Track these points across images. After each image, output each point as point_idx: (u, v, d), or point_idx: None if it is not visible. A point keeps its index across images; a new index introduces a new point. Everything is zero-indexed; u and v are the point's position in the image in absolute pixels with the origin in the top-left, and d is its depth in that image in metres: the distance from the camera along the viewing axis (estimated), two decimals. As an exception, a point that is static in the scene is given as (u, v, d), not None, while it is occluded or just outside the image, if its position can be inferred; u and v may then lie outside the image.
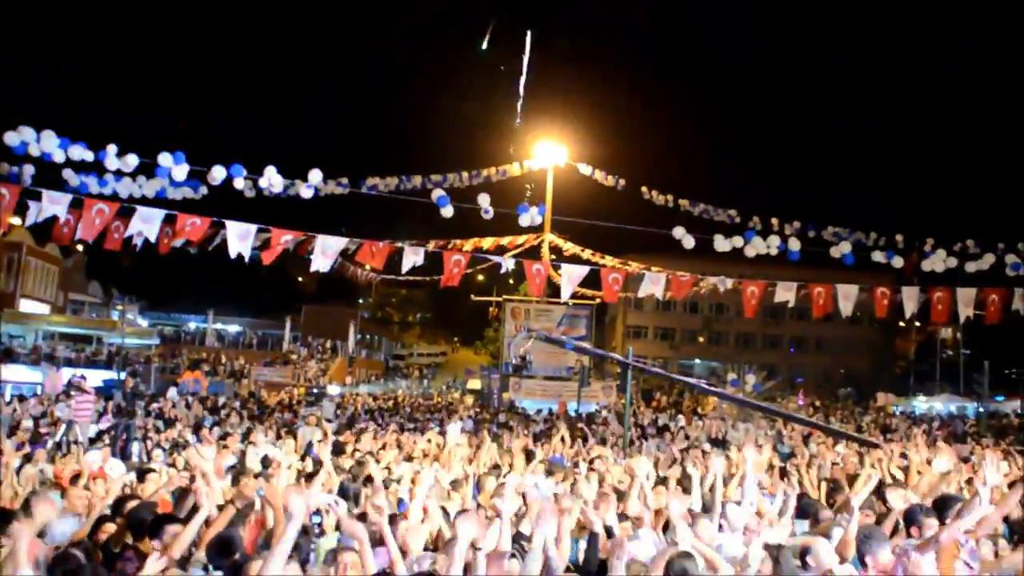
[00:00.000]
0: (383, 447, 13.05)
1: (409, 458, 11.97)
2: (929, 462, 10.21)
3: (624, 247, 36.26)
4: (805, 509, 8.29)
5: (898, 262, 21.87)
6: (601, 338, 53.38)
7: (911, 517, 6.68)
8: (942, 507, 6.86)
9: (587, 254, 31.64)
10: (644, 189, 25.93)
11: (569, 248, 32.49)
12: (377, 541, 5.65)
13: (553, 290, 28.58)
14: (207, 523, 5.94)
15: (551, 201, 31.22)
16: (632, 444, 17.60)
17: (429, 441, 13.35)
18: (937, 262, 21.46)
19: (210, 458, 7.60)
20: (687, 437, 20.13)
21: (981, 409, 36.81)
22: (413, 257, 19.25)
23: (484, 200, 20.53)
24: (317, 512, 6.82)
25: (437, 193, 20.77)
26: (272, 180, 18.19)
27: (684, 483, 9.35)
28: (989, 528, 6.70)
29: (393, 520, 6.31)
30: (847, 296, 20.73)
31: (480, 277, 44.08)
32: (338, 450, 12.57)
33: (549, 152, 31.86)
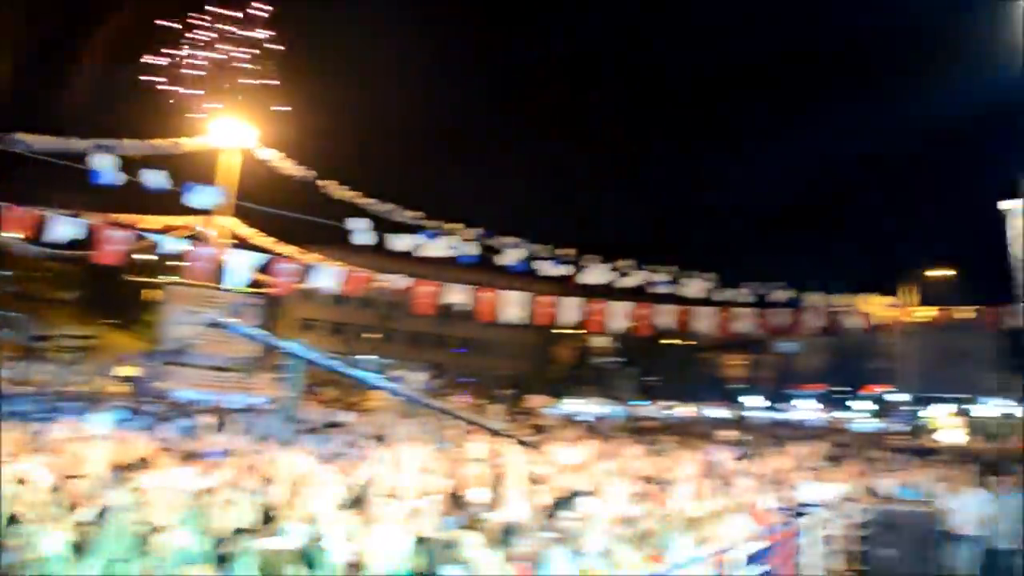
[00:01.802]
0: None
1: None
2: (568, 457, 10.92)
3: (307, 240, 35.42)
4: (458, 503, 8.50)
5: (561, 273, 23.38)
6: (274, 330, 51.82)
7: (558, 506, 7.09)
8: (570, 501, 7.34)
9: (266, 242, 30.55)
10: (328, 183, 25.53)
11: (246, 234, 31.17)
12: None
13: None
14: None
15: (231, 184, 29.78)
16: (294, 439, 17.14)
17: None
18: (597, 276, 23.22)
19: None
20: (352, 433, 19.99)
21: (624, 411, 40.48)
22: (67, 228, 17.39)
23: (157, 175, 19.07)
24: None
25: (101, 160, 18.96)
26: None
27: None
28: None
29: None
30: (513, 302, 21.77)
31: (144, 256, 40.89)
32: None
33: (233, 133, 30.35)
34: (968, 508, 12.07)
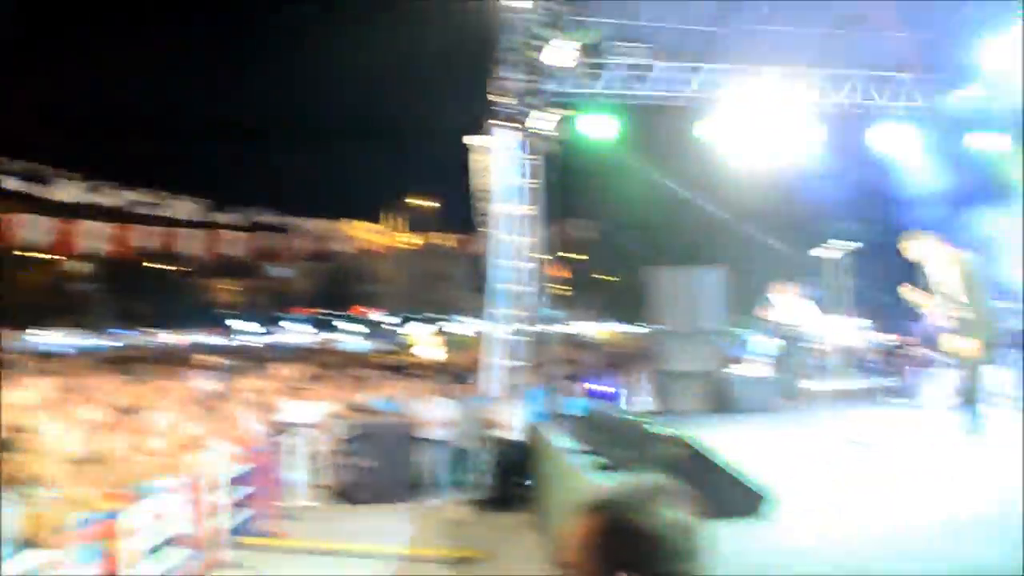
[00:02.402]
0: None
1: None
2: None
3: None
4: None
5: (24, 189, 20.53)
6: None
7: None
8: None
9: None
10: None
11: None
12: None
13: None
14: None
15: None
16: None
17: None
18: (69, 193, 20.77)
19: None
20: None
21: (104, 341, 37.37)
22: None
23: None
24: None
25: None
26: None
27: None
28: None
29: None
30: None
31: None
32: None
33: None
34: (437, 415, 13.05)
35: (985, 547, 3.92)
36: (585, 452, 7.14)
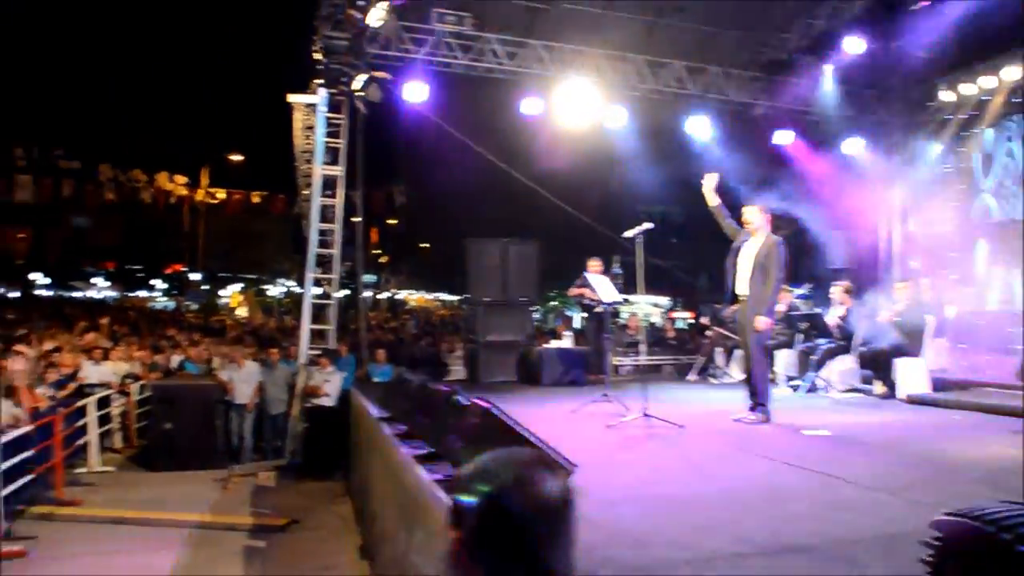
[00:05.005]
0: None
1: None
2: None
3: None
4: None
5: None
6: None
7: None
8: None
9: None
10: None
11: None
12: None
13: None
14: None
15: None
16: None
17: None
18: None
19: None
20: None
21: None
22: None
23: None
24: None
25: None
26: None
27: None
28: None
29: None
30: None
31: None
32: None
33: None
34: (246, 379, 12.74)
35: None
36: (390, 419, 7.21)
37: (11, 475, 8.55)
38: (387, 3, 12.08)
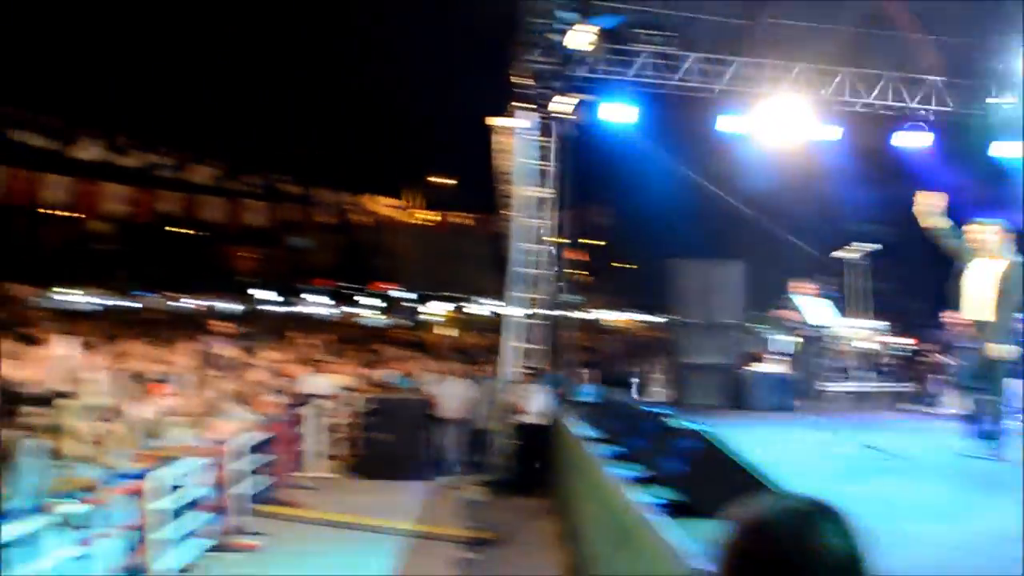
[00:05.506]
0: None
1: None
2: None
3: None
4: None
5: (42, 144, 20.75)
6: None
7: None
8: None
9: None
10: None
11: None
12: None
13: None
14: None
15: None
16: None
17: None
18: (93, 152, 21.00)
19: None
20: None
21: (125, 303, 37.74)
22: None
23: None
24: None
25: None
26: None
27: None
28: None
29: None
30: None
31: None
32: None
33: None
34: (455, 394, 13.21)
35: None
36: (602, 440, 7.26)
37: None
38: (596, 27, 12.28)
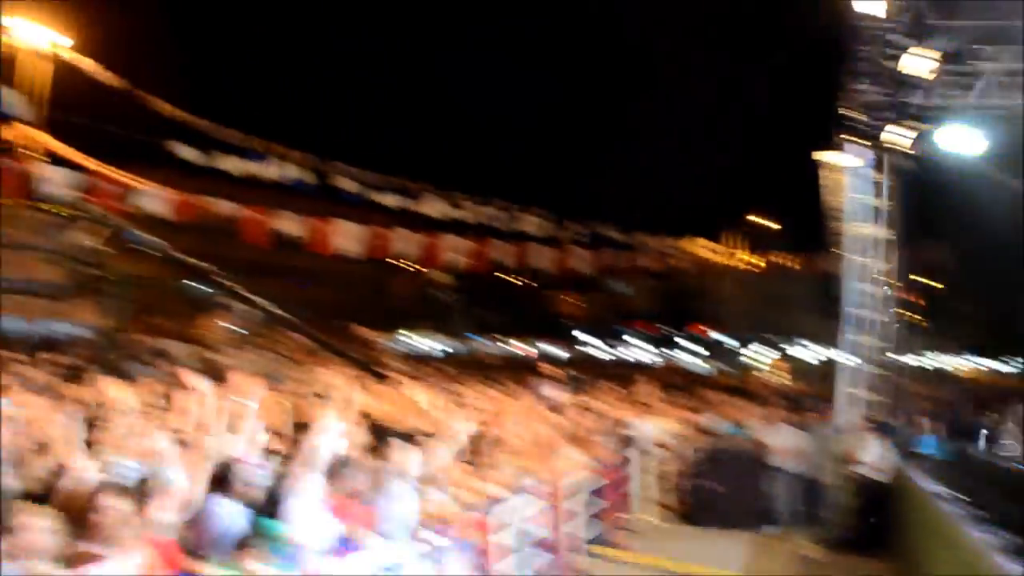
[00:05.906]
0: None
1: None
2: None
3: (127, 159, 32.78)
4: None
5: (395, 203, 22.88)
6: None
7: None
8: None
9: (81, 159, 28.01)
10: (141, 94, 23.18)
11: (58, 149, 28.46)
12: None
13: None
14: None
15: (40, 92, 26.97)
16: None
17: None
18: (435, 208, 22.89)
19: None
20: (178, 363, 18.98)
21: (462, 347, 40.59)
22: None
23: None
24: None
25: None
26: None
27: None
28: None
29: None
30: (348, 232, 21.20)
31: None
32: None
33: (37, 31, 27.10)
34: (787, 443, 12.68)
35: None
36: (959, 500, 6.64)
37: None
38: (937, 52, 11.42)
